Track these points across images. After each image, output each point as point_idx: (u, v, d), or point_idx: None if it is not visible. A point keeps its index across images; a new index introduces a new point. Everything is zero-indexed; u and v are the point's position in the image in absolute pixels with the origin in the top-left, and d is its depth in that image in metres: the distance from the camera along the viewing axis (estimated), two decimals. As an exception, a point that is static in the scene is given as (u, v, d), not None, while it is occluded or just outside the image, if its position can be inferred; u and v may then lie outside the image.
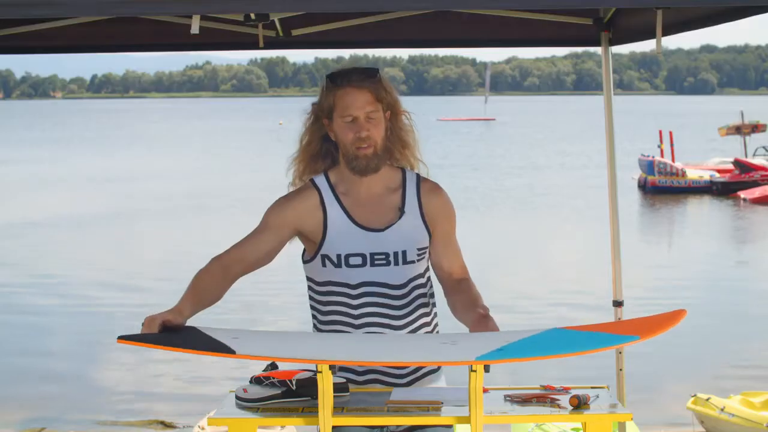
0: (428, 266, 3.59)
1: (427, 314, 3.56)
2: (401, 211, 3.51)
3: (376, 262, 3.46)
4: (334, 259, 3.47)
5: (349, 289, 3.47)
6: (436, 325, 3.61)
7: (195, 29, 3.16)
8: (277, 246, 3.51)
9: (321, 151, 3.58)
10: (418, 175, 3.59)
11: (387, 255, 3.46)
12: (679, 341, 12.28)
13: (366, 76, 3.47)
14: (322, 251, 3.48)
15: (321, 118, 3.53)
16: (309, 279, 3.57)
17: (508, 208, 27.13)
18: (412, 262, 3.49)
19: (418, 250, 3.51)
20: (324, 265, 3.49)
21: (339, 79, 3.47)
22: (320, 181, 3.55)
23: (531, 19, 4.68)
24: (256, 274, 3.58)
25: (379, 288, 3.45)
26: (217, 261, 3.44)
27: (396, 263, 3.47)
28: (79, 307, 15.49)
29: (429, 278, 3.59)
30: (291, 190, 3.60)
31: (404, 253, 3.48)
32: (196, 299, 3.32)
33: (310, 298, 3.57)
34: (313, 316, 3.58)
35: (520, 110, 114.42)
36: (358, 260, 3.46)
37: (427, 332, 3.53)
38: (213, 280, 3.40)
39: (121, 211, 27.09)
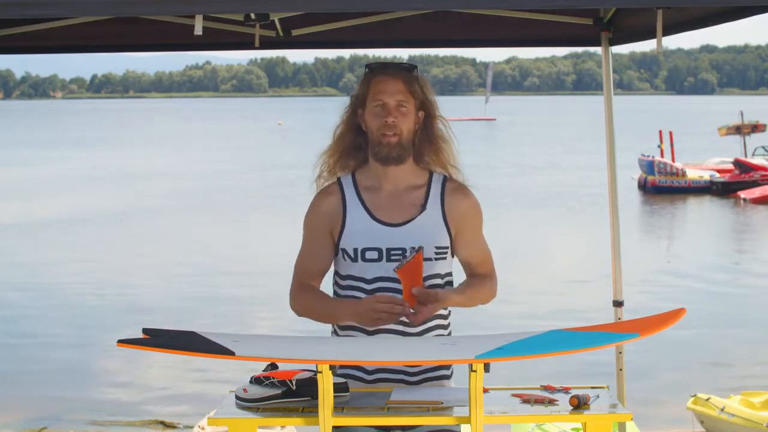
0: (450, 271, 3.57)
1: (442, 316, 3.53)
2: (422, 207, 3.51)
3: (392, 257, 3.46)
4: (351, 252, 3.48)
5: (365, 284, 3.47)
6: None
7: (198, 30, 3.14)
8: (332, 247, 3.56)
9: (353, 145, 3.59)
10: (445, 176, 3.59)
11: (403, 250, 3.46)
12: (680, 341, 12.28)
13: (402, 68, 3.55)
14: (341, 245, 3.51)
15: (357, 108, 3.58)
16: (335, 273, 3.60)
17: (507, 207, 27.11)
18: (429, 259, 3.47)
19: (436, 248, 3.49)
20: (344, 258, 3.52)
21: (376, 68, 3.56)
22: (345, 179, 3.58)
23: (531, 19, 4.68)
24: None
25: (393, 284, 3.44)
26: (300, 285, 3.58)
27: None
28: (81, 306, 15.49)
29: (450, 282, 3.57)
30: (317, 185, 3.62)
31: (421, 249, 3.46)
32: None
33: (334, 293, 3.59)
34: None
35: (521, 110, 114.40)
36: (374, 254, 3.47)
37: (440, 335, 3.51)
38: (313, 292, 3.57)
39: (123, 211, 27.07)
